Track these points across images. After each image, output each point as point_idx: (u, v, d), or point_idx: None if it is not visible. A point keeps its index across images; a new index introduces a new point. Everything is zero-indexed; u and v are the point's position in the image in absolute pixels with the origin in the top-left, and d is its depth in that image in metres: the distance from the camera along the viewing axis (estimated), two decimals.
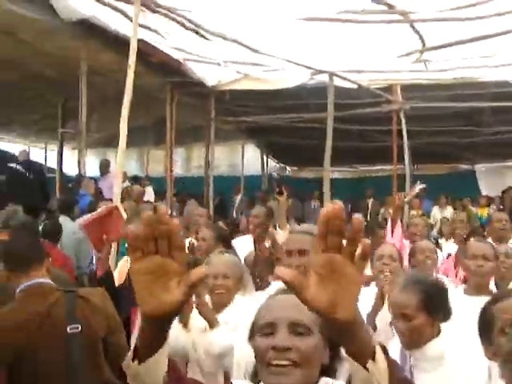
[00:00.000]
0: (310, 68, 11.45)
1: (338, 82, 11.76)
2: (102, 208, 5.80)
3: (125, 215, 5.09)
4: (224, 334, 3.51)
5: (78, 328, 3.26)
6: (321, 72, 11.62)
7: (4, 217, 5.53)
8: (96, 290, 3.75)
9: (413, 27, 9.13)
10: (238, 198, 17.06)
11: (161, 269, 1.24)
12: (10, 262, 3.38)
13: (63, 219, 7.66)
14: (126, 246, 1.28)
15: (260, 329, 1.73)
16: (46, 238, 6.36)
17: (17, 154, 13.60)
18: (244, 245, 6.11)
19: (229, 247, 5.61)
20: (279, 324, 1.69)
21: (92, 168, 12.47)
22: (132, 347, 1.33)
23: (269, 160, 19.40)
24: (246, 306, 3.61)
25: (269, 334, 1.70)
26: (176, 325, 3.55)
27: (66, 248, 7.30)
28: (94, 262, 6.79)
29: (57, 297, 3.34)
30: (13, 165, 11.62)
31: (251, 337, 1.79)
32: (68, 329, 3.25)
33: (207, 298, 3.69)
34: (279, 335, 1.68)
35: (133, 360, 1.32)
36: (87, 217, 5.65)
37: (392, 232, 6.14)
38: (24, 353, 3.19)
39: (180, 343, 3.56)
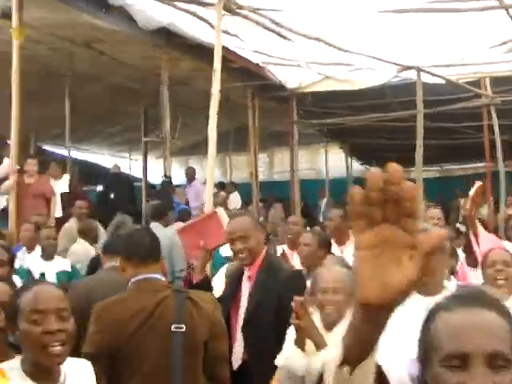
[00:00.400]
0: (396, 64, 11.01)
1: (424, 77, 11.27)
2: (201, 214, 5.66)
3: (225, 221, 4.87)
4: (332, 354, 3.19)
5: (182, 328, 3.32)
6: (408, 68, 11.16)
7: (114, 226, 5.57)
8: (206, 295, 3.79)
9: (508, 13, 8.53)
10: (324, 201, 16.72)
11: (389, 240, 0.99)
12: (131, 252, 3.48)
13: (155, 225, 7.73)
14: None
15: (444, 359, 1.32)
16: None
17: (106, 165, 13.91)
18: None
19: (330, 253, 5.32)
20: (474, 356, 1.29)
21: (176, 176, 12.48)
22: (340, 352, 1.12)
23: (353, 162, 18.97)
24: None
25: (457, 367, 1.30)
26: (291, 347, 3.27)
27: None
28: (185, 268, 6.97)
29: (167, 294, 3.42)
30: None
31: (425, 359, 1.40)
32: (173, 327, 3.31)
33: (315, 316, 3.35)
34: (475, 371, 1.28)
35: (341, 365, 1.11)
36: (186, 223, 5.52)
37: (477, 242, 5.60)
38: (128, 344, 3.28)
39: (297, 367, 3.25)
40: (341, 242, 6.13)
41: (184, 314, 3.36)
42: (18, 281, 5.33)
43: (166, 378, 3.27)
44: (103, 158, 20.39)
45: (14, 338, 2.38)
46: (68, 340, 2.33)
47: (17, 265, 6.03)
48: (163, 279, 3.57)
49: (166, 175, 12.21)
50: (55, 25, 9.74)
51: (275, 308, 3.90)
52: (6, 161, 10.73)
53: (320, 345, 3.21)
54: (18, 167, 8.02)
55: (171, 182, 10.79)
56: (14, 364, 2.36)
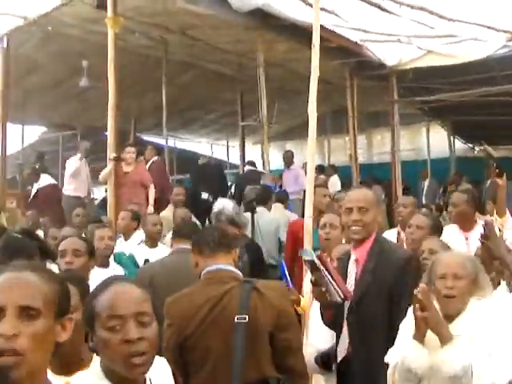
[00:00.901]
0: (505, 31, 10.36)
1: None
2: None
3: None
4: (460, 350, 2.90)
5: (245, 319, 3.31)
6: None
7: (216, 212, 5.59)
8: (273, 283, 3.79)
9: None
10: (426, 183, 16.15)
11: None
12: (200, 247, 3.58)
13: (261, 210, 7.83)
14: None
15: None
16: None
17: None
18: (450, 234, 5.48)
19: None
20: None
21: (273, 160, 12.33)
22: None
23: (456, 141, 18.23)
24: (481, 312, 3.05)
25: None
26: (411, 341, 3.01)
27: (264, 235, 7.53)
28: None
29: (233, 285, 3.44)
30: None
31: None
32: (236, 318, 3.31)
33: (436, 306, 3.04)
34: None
35: None
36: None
37: None
38: (193, 336, 3.35)
39: (419, 365, 2.98)
40: (466, 228, 5.75)
41: (248, 305, 3.35)
42: (119, 270, 5.28)
43: (228, 370, 3.27)
44: (201, 146, 20.52)
45: (92, 343, 2.12)
46: (150, 349, 2.06)
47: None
48: (234, 270, 3.57)
49: (249, 161, 12.15)
50: (149, 13, 9.76)
51: (386, 296, 3.61)
52: (72, 158, 10.89)
53: (446, 339, 2.92)
54: (115, 155, 8.05)
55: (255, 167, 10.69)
56: (94, 372, 2.14)
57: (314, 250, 4.32)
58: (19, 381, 1.68)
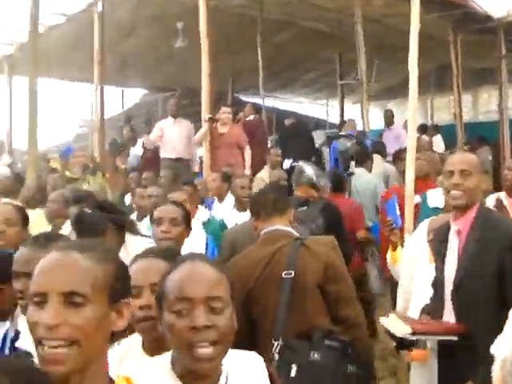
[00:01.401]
0: None
1: None
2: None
3: None
4: None
5: (291, 274, 3.44)
6: None
7: (296, 174, 5.48)
8: (324, 238, 3.88)
9: None
10: None
11: None
12: (257, 210, 3.76)
13: (360, 171, 7.63)
14: None
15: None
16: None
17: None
18: None
19: None
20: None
21: (374, 120, 11.97)
22: None
23: None
24: None
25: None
26: None
27: (362, 197, 7.36)
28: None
29: (284, 243, 3.57)
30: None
31: None
32: (283, 274, 3.45)
33: None
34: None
35: None
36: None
37: None
38: (254, 288, 3.49)
39: None
40: None
41: (295, 261, 3.47)
42: (201, 238, 5.12)
43: (273, 321, 3.39)
44: (301, 106, 20.30)
45: (160, 327, 1.91)
46: (221, 339, 1.80)
47: (208, 216, 5.98)
48: (289, 229, 3.70)
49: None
50: None
51: (494, 272, 3.25)
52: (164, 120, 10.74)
53: None
54: (209, 116, 7.95)
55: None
56: (161, 362, 1.92)
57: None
58: (66, 377, 1.50)
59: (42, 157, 9.60)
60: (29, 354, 2.28)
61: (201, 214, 5.81)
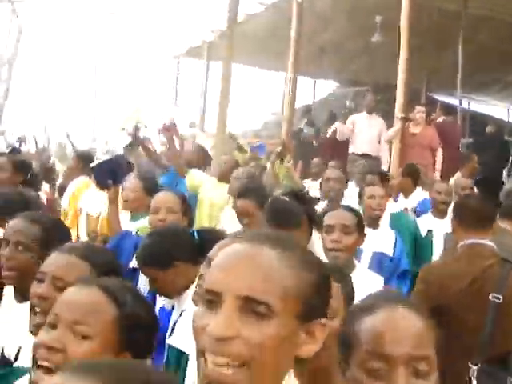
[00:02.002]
0: None
1: None
2: None
3: None
4: None
5: (499, 299, 3.21)
6: None
7: (508, 190, 5.14)
8: None
9: None
10: None
11: None
12: (461, 217, 3.55)
13: None
14: None
15: None
16: None
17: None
18: None
19: None
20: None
21: None
22: None
23: None
24: None
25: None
26: None
27: None
28: None
29: (492, 262, 3.33)
30: None
31: None
32: (490, 296, 3.22)
33: None
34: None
35: None
36: None
37: None
38: (450, 304, 3.27)
39: None
40: None
41: (505, 285, 3.23)
42: (390, 235, 4.87)
43: (477, 343, 3.18)
44: (495, 109, 19.20)
45: (343, 378, 1.55)
46: None
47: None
48: (493, 246, 3.41)
49: None
50: None
51: None
52: (357, 115, 10.37)
53: None
54: (402, 115, 7.70)
55: None
56: None
57: None
58: None
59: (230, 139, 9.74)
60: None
61: (390, 207, 5.56)
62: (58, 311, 1.54)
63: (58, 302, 1.58)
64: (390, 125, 8.79)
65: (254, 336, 1.18)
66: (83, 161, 6.59)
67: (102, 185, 4.56)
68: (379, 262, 4.52)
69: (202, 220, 5.84)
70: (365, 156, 9.64)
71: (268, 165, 7.02)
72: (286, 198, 3.47)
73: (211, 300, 1.21)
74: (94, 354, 1.48)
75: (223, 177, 6.19)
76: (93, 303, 1.55)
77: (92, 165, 4.83)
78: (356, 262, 3.55)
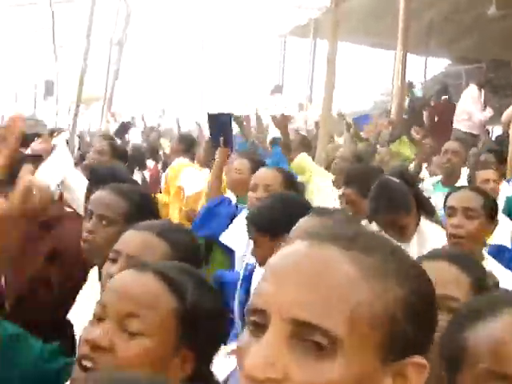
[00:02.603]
0: None
1: None
2: None
3: None
4: None
5: None
6: None
7: None
8: None
9: None
10: None
11: None
12: None
13: None
14: None
15: None
16: None
17: None
18: None
19: None
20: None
21: None
22: None
23: None
24: None
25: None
26: None
27: None
28: None
29: None
30: None
31: None
32: None
33: None
34: None
35: None
36: None
37: None
38: None
39: None
40: None
41: None
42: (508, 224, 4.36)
43: None
44: None
45: None
46: None
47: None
48: None
49: None
50: None
51: None
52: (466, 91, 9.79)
53: None
54: None
55: None
56: None
57: None
58: None
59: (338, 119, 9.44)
60: None
61: (504, 190, 5.04)
62: (105, 302, 1.31)
63: (106, 290, 1.36)
64: (508, 104, 8.29)
65: (309, 380, 0.81)
66: (185, 143, 6.57)
67: (213, 138, 4.29)
68: (498, 255, 4.00)
69: None
70: (467, 134, 9.35)
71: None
72: (394, 180, 3.10)
73: (256, 322, 0.85)
74: (148, 353, 1.26)
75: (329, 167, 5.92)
76: (148, 293, 1.30)
77: (209, 112, 4.57)
78: (486, 254, 2.94)
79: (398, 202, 2.98)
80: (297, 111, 13.05)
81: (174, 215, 5.58)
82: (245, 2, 15.47)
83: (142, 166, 7.32)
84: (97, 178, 3.02)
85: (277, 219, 2.59)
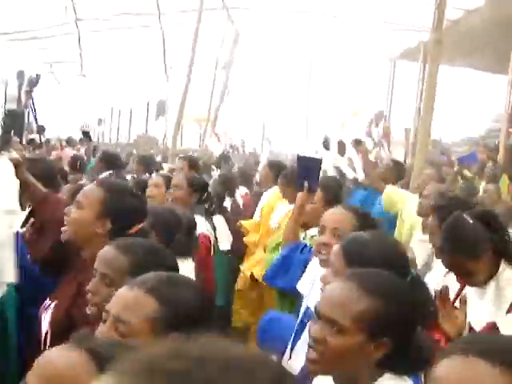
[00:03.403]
0: None
1: None
2: None
3: None
4: None
5: None
6: None
7: None
8: None
9: None
10: None
11: None
12: None
13: None
14: None
15: None
16: None
17: None
18: None
19: None
20: None
21: None
22: None
23: None
24: None
25: None
26: None
27: None
28: None
29: None
30: None
31: None
32: None
33: None
34: None
35: None
36: None
37: None
38: None
39: None
40: None
41: None
42: None
43: None
44: None
45: None
46: None
47: None
48: None
49: None
50: None
51: None
52: None
53: None
54: None
55: None
56: None
57: None
58: None
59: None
60: None
61: None
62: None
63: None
64: None
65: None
66: (274, 170, 6.22)
67: (295, 182, 4.02)
68: None
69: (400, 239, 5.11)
70: None
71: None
72: (469, 219, 2.78)
73: None
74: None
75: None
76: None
77: (299, 154, 4.34)
78: None
79: (465, 245, 2.68)
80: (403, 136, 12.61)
81: (260, 255, 5.39)
82: (354, 23, 15.13)
83: (232, 193, 7.12)
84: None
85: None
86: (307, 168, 3.90)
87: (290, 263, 3.69)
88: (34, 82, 15.75)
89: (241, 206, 7.33)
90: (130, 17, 14.75)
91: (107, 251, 2.12)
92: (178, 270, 2.13)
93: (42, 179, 3.19)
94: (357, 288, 1.77)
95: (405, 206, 5.49)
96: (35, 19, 14.56)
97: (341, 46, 16.83)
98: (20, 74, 15.95)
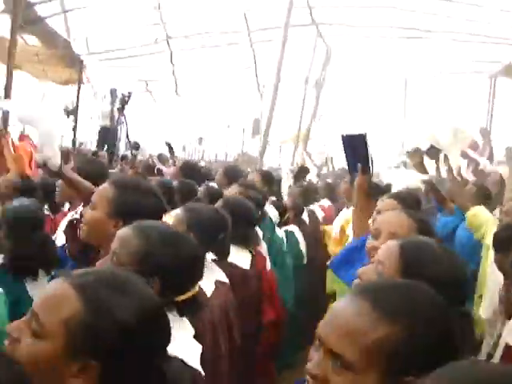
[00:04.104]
0: None
1: None
2: None
3: None
4: None
5: None
6: None
7: None
8: None
9: None
10: None
11: None
12: None
13: None
14: None
15: None
16: None
17: None
18: None
19: None
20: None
21: None
22: None
23: None
24: None
25: None
26: None
27: None
28: None
29: None
30: None
31: None
32: None
33: None
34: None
35: None
36: None
37: None
38: None
39: None
40: None
41: None
42: None
43: None
44: None
45: None
46: None
47: None
48: None
49: None
50: None
51: None
52: None
53: None
54: None
55: None
56: None
57: None
58: None
59: None
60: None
61: None
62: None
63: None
64: None
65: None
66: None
67: (350, 165, 3.64)
68: None
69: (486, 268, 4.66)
70: None
71: None
72: None
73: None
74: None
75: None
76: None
77: (344, 134, 3.96)
78: None
79: None
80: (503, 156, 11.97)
81: None
82: (451, 37, 14.52)
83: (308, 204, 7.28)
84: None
85: None
86: (354, 148, 3.54)
87: (356, 257, 3.27)
88: (125, 100, 15.96)
89: (319, 218, 7.44)
90: (218, 35, 14.76)
91: (124, 231, 2.13)
92: (200, 262, 2.16)
93: (92, 179, 3.35)
94: (372, 309, 1.31)
95: (490, 231, 4.98)
96: (127, 38, 14.83)
97: (437, 63, 16.20)
98: (113, 92, 16.36)
